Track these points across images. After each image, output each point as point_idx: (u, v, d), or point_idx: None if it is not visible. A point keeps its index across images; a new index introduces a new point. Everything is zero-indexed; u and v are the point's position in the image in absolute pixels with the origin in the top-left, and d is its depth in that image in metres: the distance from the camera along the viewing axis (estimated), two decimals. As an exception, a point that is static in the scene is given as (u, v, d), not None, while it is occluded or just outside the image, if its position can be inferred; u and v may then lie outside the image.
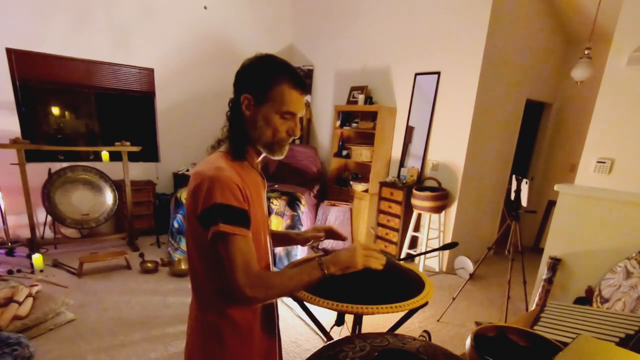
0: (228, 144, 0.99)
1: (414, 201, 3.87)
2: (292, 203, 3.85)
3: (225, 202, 0.85)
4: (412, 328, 2.84)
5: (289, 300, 3.13)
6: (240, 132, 0.98)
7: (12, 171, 3.58)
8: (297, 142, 5.46)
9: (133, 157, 4.36)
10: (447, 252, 4.03)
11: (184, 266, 3.63)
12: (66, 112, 4.58)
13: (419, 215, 4.02)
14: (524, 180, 2.71)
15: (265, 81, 0.92)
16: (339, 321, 1.31)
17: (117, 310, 2.88)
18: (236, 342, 0.98)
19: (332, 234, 1.29)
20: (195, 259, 0.96)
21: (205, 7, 4.88)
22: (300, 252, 3.73)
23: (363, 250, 0.96)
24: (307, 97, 5.66)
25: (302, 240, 1.31)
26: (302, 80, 0.97)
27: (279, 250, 3.65)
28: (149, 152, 4.83)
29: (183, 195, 3.87)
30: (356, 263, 0.94)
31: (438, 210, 3.84)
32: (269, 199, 3.74)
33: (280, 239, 1.31)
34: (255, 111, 0.95)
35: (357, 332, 1.38)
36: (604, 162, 2.58)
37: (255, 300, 0.89)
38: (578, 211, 2.57)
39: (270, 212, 3.72)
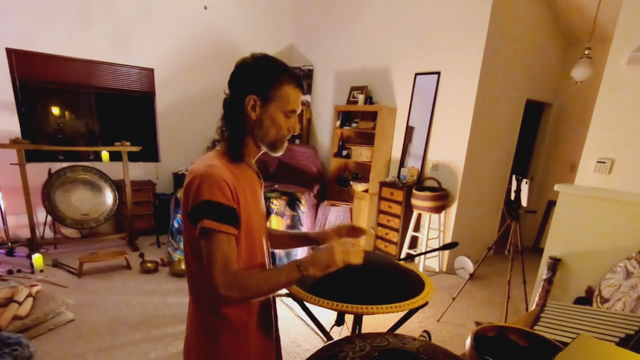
0: (225, 145, 0.99)
1: (414, 201, 3.87)
2: (292, 203, 3.85)
3: (213, 199, 0.85)
4: (412, 328, 2.83)
5: (289, 300, 3.13)
6: (239, 134, 0.98)
7: (12, 171, 3.57)
8: (297, 142, 5.46)
9: (133, 157, 4.36)
10: (447, 252, 4.03)
11: (184, 266, 3.62)
12: (66, 112, 4.58)
13: (419, 215, 4.02)
14: (524, 180, 2.71)
15: (272, 81, 0.94)
16: (339, 321, 1.31)
17: (117, 310, 2.88)
18: (231, 341, 0.98)
19: (352, 231, 1.22)
20: (191, 258, 0.96)
21: (205, 7, 4.88)
22: (300, 252, 3.72)
23: (340, 248, 0.93)
24: (307, 97, 5.66)
25: (323, 238, 1.22)
26: (301, 79, 1.00)
27: (279, 250, 3.65)
28: (149, 152, 4.82)
29: (183, 195, 3.87)
30: (335, 261, 0.91)
31: (438, 210, 3.84)
32: (269, 199, 3.74)
33: (296, 238, 1.30)
34: (261, 112, 0.96)
35: (357, 332, 1.38)
36: (604, 162, 2.58)
37: (229, 301, 0.86)
38: (578, 211, 2.57)
39: (270, 212, 3.71)
